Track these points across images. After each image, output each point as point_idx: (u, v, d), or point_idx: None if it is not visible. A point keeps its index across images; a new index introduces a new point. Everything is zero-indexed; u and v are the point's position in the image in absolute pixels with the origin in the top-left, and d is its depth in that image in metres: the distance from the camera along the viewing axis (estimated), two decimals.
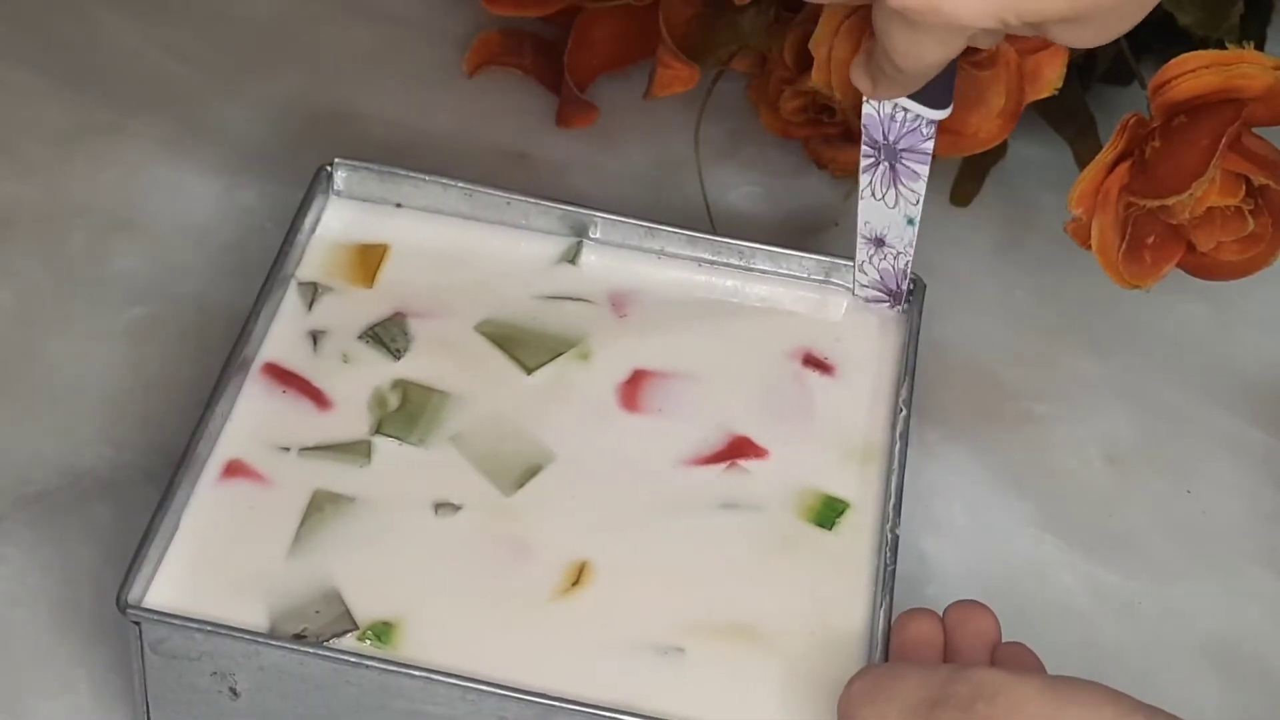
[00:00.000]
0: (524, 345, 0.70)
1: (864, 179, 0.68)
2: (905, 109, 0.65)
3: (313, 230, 0.72)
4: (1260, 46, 0.70)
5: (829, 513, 0.66)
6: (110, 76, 0.85)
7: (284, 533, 0.63)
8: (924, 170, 0.67)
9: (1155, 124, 0.70)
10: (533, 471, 0.66)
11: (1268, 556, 0.72)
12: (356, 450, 0.66)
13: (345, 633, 0.60)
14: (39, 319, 0.75)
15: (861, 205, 0.69)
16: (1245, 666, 0.68)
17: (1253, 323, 0.80)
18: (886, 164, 0.67)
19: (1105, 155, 0.70)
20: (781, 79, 0.81)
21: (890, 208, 0.69)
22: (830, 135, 0.83)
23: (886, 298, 0.71)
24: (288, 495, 0.64)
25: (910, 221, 0.69)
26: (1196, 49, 0.69)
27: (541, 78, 0.87)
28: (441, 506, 0.64)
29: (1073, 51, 0.74)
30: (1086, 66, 0.82)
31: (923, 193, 0.68)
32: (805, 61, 0.75)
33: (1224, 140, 0.68)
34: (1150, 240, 0.71)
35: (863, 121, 0.67)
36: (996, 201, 0.84)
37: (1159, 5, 0.77)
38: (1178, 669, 0.68)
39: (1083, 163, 0.75)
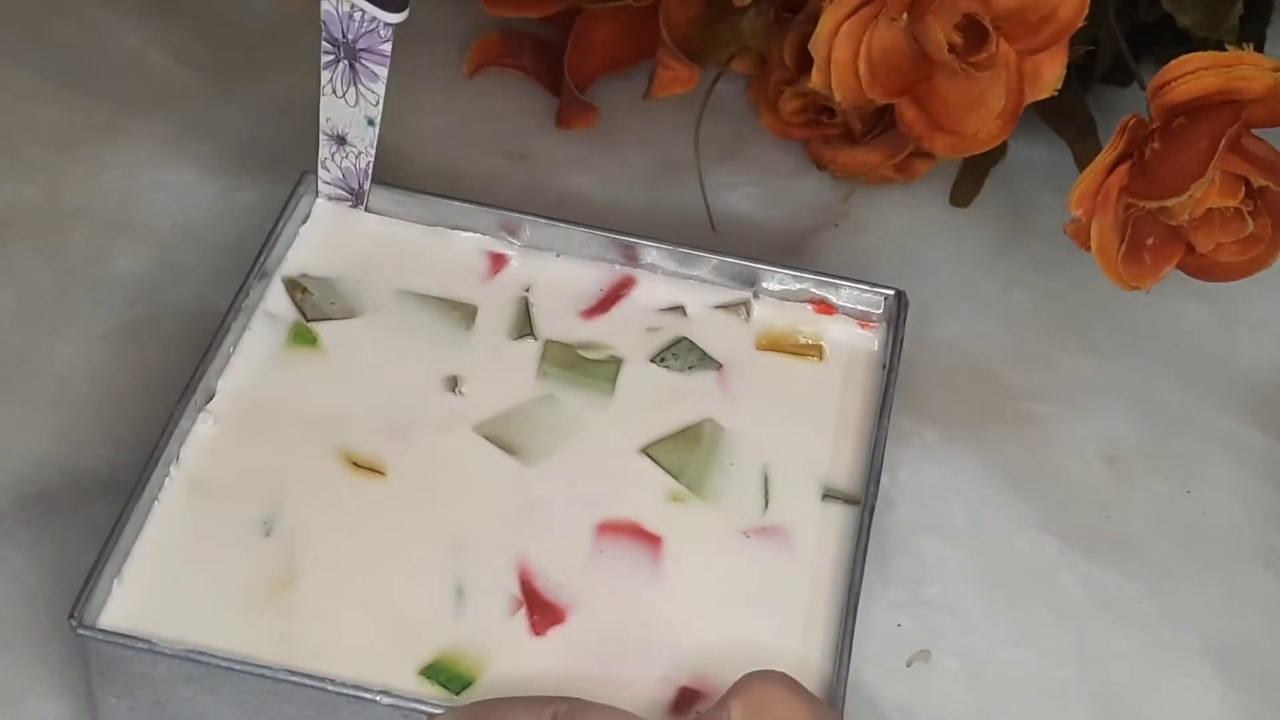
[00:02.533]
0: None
1: (325, 75, 0.69)
2: (362, 10, 0.66)
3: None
4: (1260, 48, 0.70)
5: None
6: (110, 78, 0.85)
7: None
8: (383, 72, 0.68)
9: (1155, 125, 0.70)
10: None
11: (1267, 557, 0.72)
12: None
13: None
14: (39, 319, 0.75)
15: (323, 102, 0.70)
16: (1245, 667, 0.68)
17: (1252, 323, 0.80)
18: (346, 62, 0.68)
19: (1105, 157, 0.70)
20: (781, 80, 0.81)
21: (351, 106, 0.69)
22: (830, 136, 0.83)
23: (349, 196, 0.71)
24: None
25: (370, 122, 0.69)
26: (1196, 50, 0.69)
27: (541, 79, 0.87)
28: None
29: (1072, 53, 0.74)
30: (1086, 67, 0.82)
31: (382, 94, 0.69)
32: (805, 62, 0.75)
33: (1223, 142, 0.68)
34: (1150, 241, 0.71)
35: (322, 18, 0.67)
36: (996, 202, 0.84)
37: (1159, 6, 0.77)
38: (1177, 669, 0.68)
39: (1082, 164, 0.75)
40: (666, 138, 0.84)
